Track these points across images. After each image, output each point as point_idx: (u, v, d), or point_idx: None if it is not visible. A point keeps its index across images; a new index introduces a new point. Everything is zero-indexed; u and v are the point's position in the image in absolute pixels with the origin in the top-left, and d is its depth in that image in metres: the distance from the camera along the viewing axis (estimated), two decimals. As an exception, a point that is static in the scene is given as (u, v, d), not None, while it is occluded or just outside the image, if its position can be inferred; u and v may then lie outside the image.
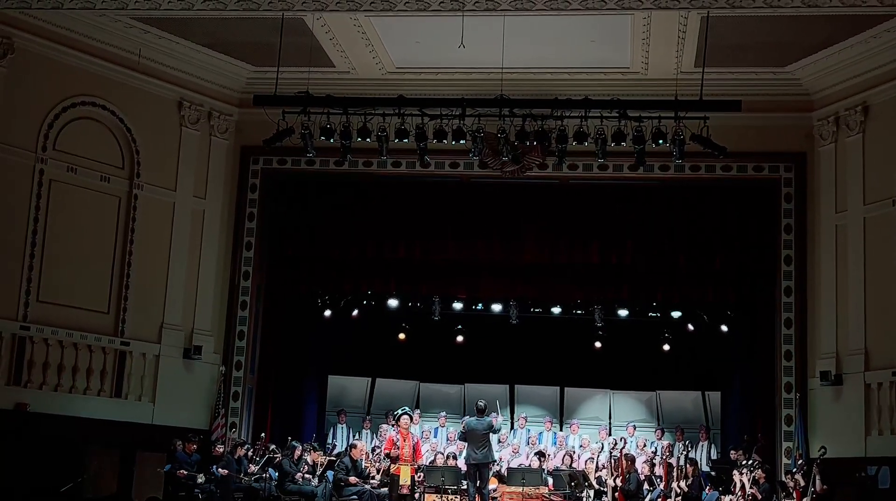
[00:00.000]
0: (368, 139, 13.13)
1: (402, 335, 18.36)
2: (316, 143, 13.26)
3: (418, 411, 17.46)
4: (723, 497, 14.14)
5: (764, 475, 13.64)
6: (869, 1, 11.84)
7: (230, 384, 15.41)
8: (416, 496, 13.94)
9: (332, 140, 13.14)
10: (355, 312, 17.89)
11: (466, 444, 14.19)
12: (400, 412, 14.58)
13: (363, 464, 14.85)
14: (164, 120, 15.14)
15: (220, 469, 13.78)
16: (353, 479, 14.15)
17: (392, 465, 14.09)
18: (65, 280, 13.90)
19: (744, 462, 14.20)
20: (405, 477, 13.91)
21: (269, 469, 14.32)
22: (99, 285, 14.33)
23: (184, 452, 13.96)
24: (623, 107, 12.58)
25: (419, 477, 14.13)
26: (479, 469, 13.98)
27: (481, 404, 14.13)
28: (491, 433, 14.02)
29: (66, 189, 14.02)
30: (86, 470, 13.31)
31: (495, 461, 14.97)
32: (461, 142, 12.96)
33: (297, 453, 14.67)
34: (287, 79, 13.54)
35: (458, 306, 17.57)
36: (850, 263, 14.05)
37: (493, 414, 13.99)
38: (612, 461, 14.88)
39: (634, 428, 16.72)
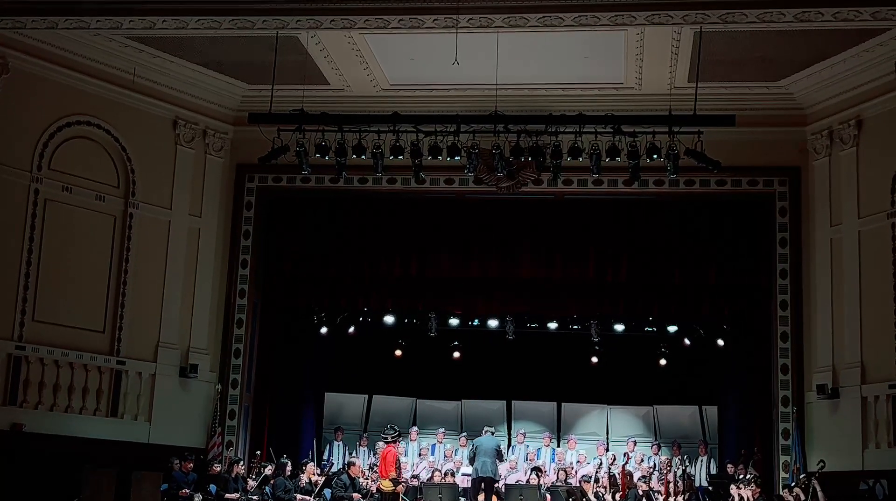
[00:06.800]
0: (364, 156, 13.17)
1: (398, 352, 18.33)
2: (311, 160, 13.31)
3: (416, 428, 17.44)
4: (721, 511, 14.16)
5: (758, 489, 13.65)
6: (861, 15, 11.88)
7: (226, 403, 15.37)
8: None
9: (327, 157, 13.19)
10: (351, 328, 17.88)
11: (476, 458, 14.34)
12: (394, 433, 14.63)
13: (361, 482, 14.82)
14: (159, 138, 15.16)
15: (227, 494, 13.77)
16: (355, 495, 14.15)
17: (395, 485, 14.09)
18: (60, 299, 13.88)
19: (741, 477, 14.20)
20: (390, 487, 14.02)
21: (267, 487, 14.28)
22: (94, 305, 14.30)
23: (180, 471, 13.92)
24: (617, 122, 12.64)
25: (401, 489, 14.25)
26: (486, 483, 14.07)
27: (490, 428, 15.18)
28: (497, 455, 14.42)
29: (61, 208, 14.03)
30: (82, 490, 13.24)
31: (501, 477, 15.09)
32: (456, 158, 13.00)
33: (289, 470, 14.65)
34: (282, 97, 13.60)
35: (454, 322, 17.57)
36: (846, 276, 14.07)
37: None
38: (610, 476, 14.89)
39: (635, 444, 16.69)
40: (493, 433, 14.97)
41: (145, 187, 14.92)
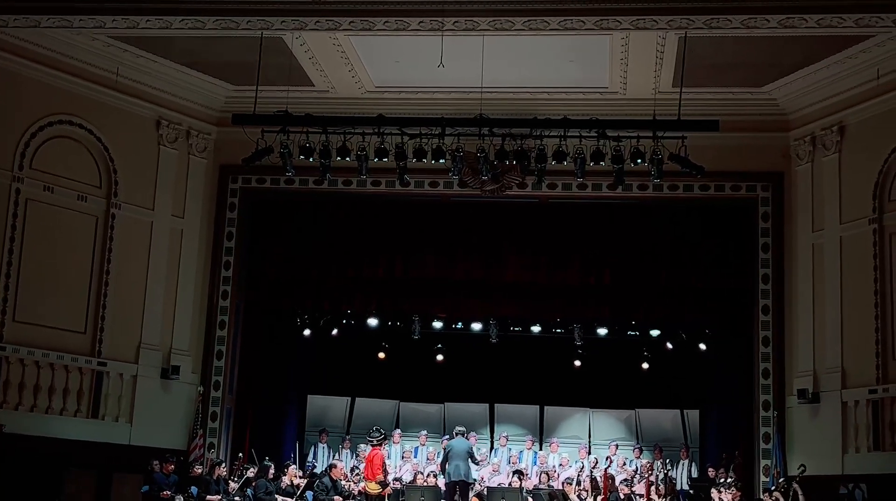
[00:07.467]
0: (348, 158, 13.13)
1: (381, 354, 18.29)
2: (295, 162, 13.26)
3: (399, 431, 17.41)
4: (702, 515, 14.22)
5: (739, 493, 13.72)
6: (845, 22, 11.97)
7: (208, 405, 15.30)
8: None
9: (311, 159, 13.14)
10: (335, 331, 17.82)
11: (448, 462, 14.28)
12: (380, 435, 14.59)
13: (343, 484, 14.78)
14: (142, 139, 15.07)
15: (209, 496, 13.72)
16: (336, 498, 14.12)
17: (379, 486, 14.07)
18: (41, 300, 13.77)
19: (722, 480, 14.26)
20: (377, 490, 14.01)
21: (248, 489, 14.22)
22: (76, 305, 14.20)
23: (161, 473, 13.85)
24: (601, 126, 12.64)
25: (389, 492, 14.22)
26: (460, 487, 14.02)
27: (461, 428, 14.82)
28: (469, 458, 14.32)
29: (43, 208, 13.92)
30: (62, 492, 13.16)
31: (475, 480, 15.02)
32: (441, 161, 12.98)
33: (271, 472, 14.60)
34: (266, 98, 13.53)
35: (438, 325, 17.55)
36: (827, 281, 14.16)
37: (472, 434, 14.30)
38: (592, 479, 14.91)
39: (617, 447, 16.72)
40: (464, 435, 14.78)
41: (128, 188, 14.83)
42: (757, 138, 14.92)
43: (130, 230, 14.82)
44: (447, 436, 16.83)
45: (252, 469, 14.49)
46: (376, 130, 12.85)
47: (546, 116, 13.24)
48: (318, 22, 12.60)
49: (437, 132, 12.74)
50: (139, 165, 14.99)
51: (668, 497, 14.63)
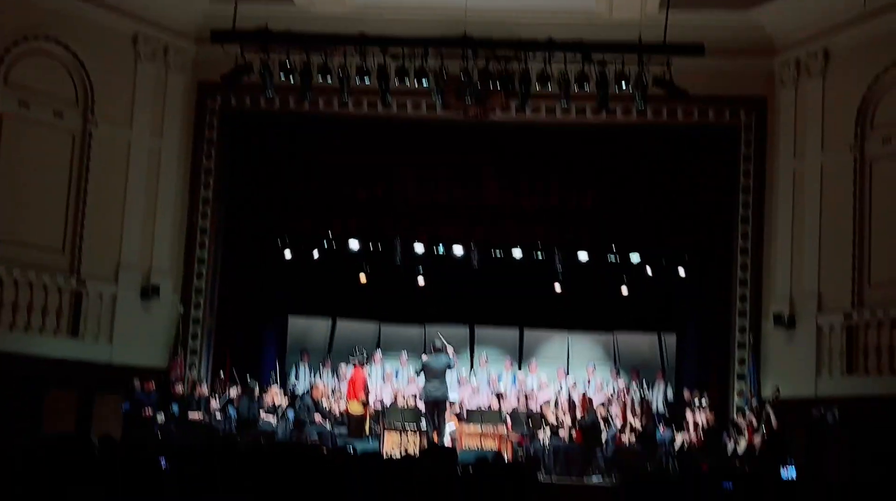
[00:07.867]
0: (329, 78, 12.92)
1: (362, 277, 18.28)
2: (276, 82, 13.03)
3: (380, 350, 17.51)
4: (676, 434, 14.48)
5: (713, 414, 13.95)
6: (834, -55, 11.82)
7: (189, 324, 15.32)
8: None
9: (291, 78, 12.91)
10: (315, 253, 17.76)
11: (426, 380, 14.35)
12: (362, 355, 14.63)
13: (324, 404, 14.93)
14: (119, 55, 14.79)
15: (190, 412, 13.82)
16: (317, 417, 14.24)
17: (361, 406, 14.21)
18: (18, 217, 13.66)
19: (697, 403, 14.51)
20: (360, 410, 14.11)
21: (230, 408, 14.34)
22: (54, 223, 14.11)
23: (142, 391, 13.93)
24: (587, 49, 12.48)
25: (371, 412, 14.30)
26: (437, 405, 14.14)
27: (438, 343, 14.50)
28: (448, 370, 14.24)
29: (18, 125, 13.71)
30: (43, 410, 13.18)
31: (451, 400, 15.13)
32: (423, 82, 12.79)
33: (257, 392, 14.71)
34: (246, 15, 13.25)
35: (419, 247, 17.50)
36: (807, 208, 14.24)
37: (449, 347, 14.34)
38: (569, 401, 15.14)
39: (594, 369, 16.92)
40: (441, 346, 14.51)
41: (104, 105, 14.59)
42: (742, 64, 14.79)
43: (108, 148, 14.63)
44: (425, 354, 16.93)
45: (235, 389, 14.59)
46: (358, 50, 12.63)
47: (531, 38, 13.03)
48: (299, -65, 12.30)
49: (420, 53, 12.53)
50: (116, 82, 14.73)
51: (644, 419, 14.88)
